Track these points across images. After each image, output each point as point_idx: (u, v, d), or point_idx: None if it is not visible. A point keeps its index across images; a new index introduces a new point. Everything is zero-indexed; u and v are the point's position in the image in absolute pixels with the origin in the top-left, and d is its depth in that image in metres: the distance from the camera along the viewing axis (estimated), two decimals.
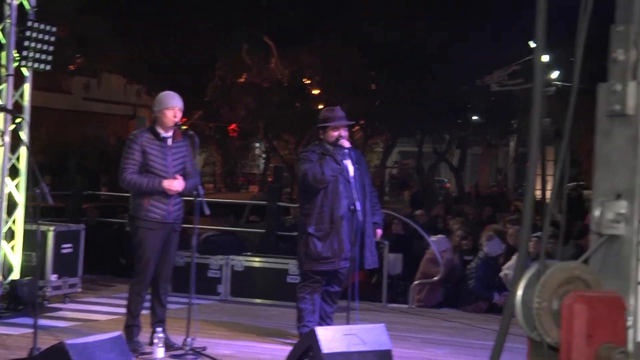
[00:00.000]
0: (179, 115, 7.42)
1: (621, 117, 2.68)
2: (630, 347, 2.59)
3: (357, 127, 28.50)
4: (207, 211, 7.23)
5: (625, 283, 2.63)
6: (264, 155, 37.49)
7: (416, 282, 11.01)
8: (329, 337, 6.25)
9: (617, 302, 2.54)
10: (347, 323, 7.49)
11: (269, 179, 29.11)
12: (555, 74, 23.99)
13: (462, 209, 19.70)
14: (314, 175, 7.59)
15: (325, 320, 7.83)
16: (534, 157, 2.55)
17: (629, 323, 2.59)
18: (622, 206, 2.64)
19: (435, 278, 10.83)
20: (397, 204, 34.52)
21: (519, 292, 2.59)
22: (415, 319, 9.77)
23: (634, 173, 2.64)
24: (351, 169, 7.77)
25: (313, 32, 23.75)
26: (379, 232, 8.07)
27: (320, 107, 21.41)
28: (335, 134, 7.75)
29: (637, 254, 2.61)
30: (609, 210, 2.64)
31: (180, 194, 7.41)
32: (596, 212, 2.67)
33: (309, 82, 27.34)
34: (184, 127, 7.59)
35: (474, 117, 31.76)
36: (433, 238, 11.25)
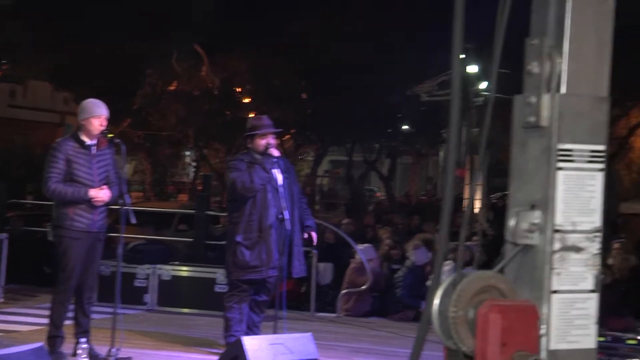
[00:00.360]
0: (105, 123, 7.34)
1: (536, 128, 2.74)
2: (543, 355, 2.64)
3: (287, 136, 28.50)
4: (133, 220, 7.18)
5: (539, 292, 2.68)
6: (194, 164, 37.21)
7: (343, 292, 11.05)
8: (256, 346, 6.25)
9: (530, 311, 2.59)
10: (275, 332, 7.49)
11: (199, 188, 28.92)
12: (484, 85, 24.27)
13: (392, 218, 19.85)
14: (243, 184, 7.58)
15: (252, 330, 7.81)
16: (450, 167, 2.59)
17: (542, 331, 2.64)
18: (536, 216, 2.69)
19: (363, 287, 10.89)
20: (327, 212, 34.60)
21: (436, 301, 2.62)
22: (343, 328, 9.80)
23: (547, 184, 2.69)
24: (280, 178, 7.77)
25: (243, 40, 23.71)
26: (314, 235, 8.06)
27: (251, 115, 21.39)
28: (263, 142, 7.74)
29: (550, 263, 2.67)
30: (524, 220, 2.70)
31: (106, 203, 7.34)
32: (511, 222, 2.72)
33: (239, 90, 27.27)
34: (110, 135, 7.50)
35: (404, 127, 32.01)
36: (360, 247, 11.32)
